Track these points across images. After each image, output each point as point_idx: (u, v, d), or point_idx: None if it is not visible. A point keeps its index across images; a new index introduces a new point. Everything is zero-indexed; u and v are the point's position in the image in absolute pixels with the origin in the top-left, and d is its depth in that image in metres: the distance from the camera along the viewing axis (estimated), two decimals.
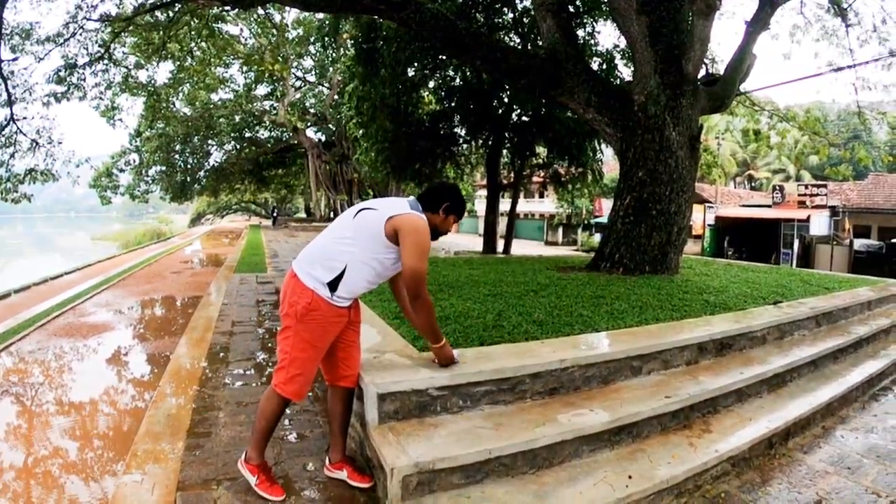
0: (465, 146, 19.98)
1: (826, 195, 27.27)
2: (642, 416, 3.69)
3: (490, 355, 3.89)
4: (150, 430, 4.08)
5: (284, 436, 3.97)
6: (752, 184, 52.84)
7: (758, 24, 10.02)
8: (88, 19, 14.59)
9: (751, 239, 28.42)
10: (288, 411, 4.45)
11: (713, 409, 4.23)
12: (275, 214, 46.68)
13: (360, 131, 16.26)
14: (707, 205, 29.77)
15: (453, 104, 16.44)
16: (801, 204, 27.55)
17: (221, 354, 6.15)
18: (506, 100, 16.07)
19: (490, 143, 17.77)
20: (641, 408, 3.71)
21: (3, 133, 14.34)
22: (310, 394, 4.84)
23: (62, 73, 15.02)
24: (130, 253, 28.42)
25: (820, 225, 26.51)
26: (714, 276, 8.71)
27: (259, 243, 22.98)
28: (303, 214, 62.49)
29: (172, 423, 4.19)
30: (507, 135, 17.57)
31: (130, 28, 15.60)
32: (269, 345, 6.67)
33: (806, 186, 28.93)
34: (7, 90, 13.78)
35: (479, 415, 3.52)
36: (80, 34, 14.95)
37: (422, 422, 3.35)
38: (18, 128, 14.57)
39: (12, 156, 14.75)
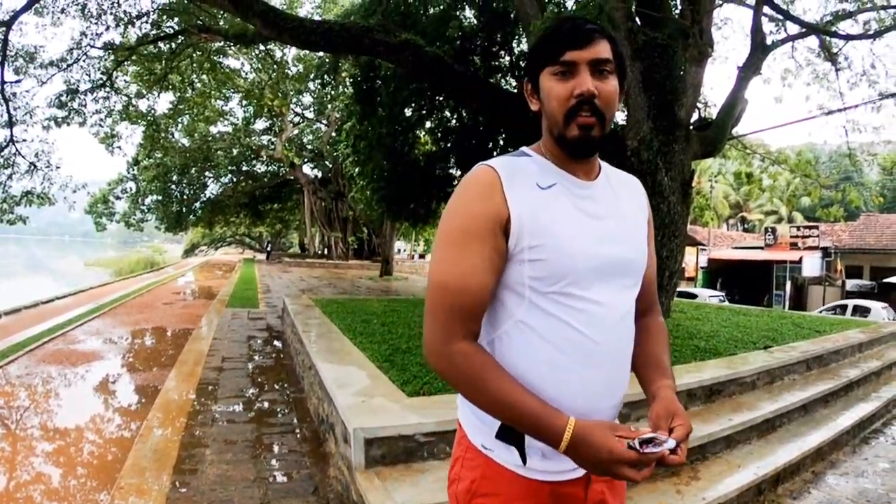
0: None
1: (818, 236, 27.49)
2: None
3: None
4: (136, 463, 4.06)
5: (272, 477, 3.94)
6: (745, 225, 53.18)
7: (749, 68, 10.20)
8: (92, 46, 14.84)
9: (743, 281, 28.56)
10: (275, 450, 4.44)
11: (702, 455, 4.22)
12: (269, 249, 46.66)
13: (357, 169, 16.34)
14: (700, 247, 29.95)
15: (449, 145, 16.57)
16: (794, 245, 27.76)
17: (211, 390, 6.12)
18: (501, 142, 16.22)
19: None
20: None
21: (2, 154, 14.43)
22: (297, 434, 4.83)
23: (63, 98, 15.22)
24: (123, 281, 28.34)
25: (812, 266, 26.69)
26: (705, 321, 8.75)
27: (252, 278, 22.94)
28: (297, 250, 62.51)
29: (159, 457, 4.17)
30: None
31: (133, 57, 15.86)
32: (259, 381, 6.66)
33: (798, 228, 29.17)
34: (8, 112, 13.91)
35: None
36: (84, 61, 15.22)
37: (409, 467, 3.33)
38: (17, 150, 14.65)
39: (10, 177, 14.81)
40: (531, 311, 1.29)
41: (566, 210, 1.31)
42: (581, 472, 1.35)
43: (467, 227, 1.27)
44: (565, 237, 1.27)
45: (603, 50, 1.29)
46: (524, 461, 1.32)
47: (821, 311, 19.14)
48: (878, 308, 18.93)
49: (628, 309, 1.38)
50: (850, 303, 20.02)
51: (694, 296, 20.47)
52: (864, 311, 18.57)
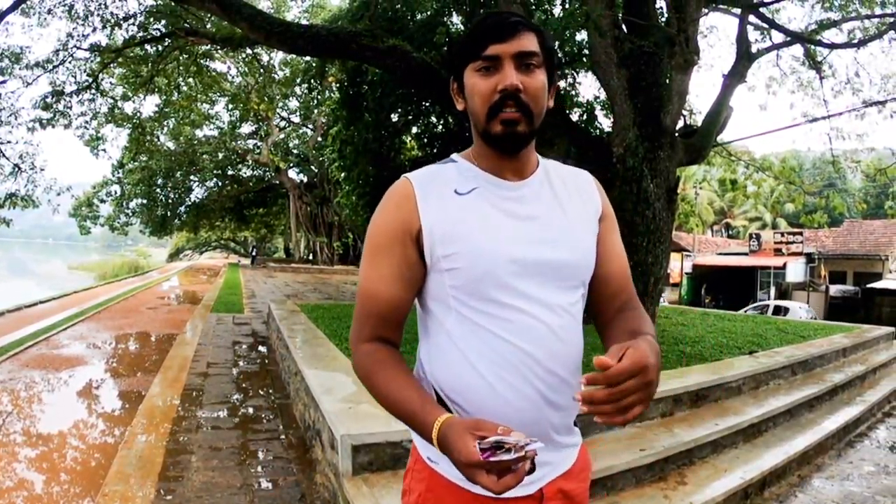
0: None
1: (802, 242, 27.74)
2: (617, 470, 3.69)
3: None
4: (121, 470, 4.02)
5: (259, 483, 3.92)
6: (730, 232, 53.51)
7: (735, 76, 10.30)
8: (78, 48, 14.72)
9: (728, 286, 28.74)
10: (261, 456, 4.41)
11: (688, 460, 4.24)
12: (254, 254, 46.40)
13: (342, 174, 16.30)
14: (685, 253, 30.11)
15: (435, 151, 16.56)
16: (778, 251, 27.99)
17: (196, 396, 6.08)
18: None
19: None
20: (616, 461, 3.71)
21: None
22: (283, 440, 4.80)
23: (49, 100, 15.06)
24: (107, 285, 28.09)
25: (796, 272, 26.92)
26: (690, 326, 8.80)
27: (237, 283, 22.82)
28: (282, 254, 62.32)
29: (144, 464, 4.13)
30: None
31: (119, 59, 15.76)
32: (244, 387, 6.62)
33: (782, 234, 29.42)
34: None
35: None
36: (70, 62, 15.07)
37: (396, 474, 3.31)
38: (1, 151, 14.51)
39: None
40: (459, 322, 1.26)
41: (487, 214, 1.26)
42: (533, 489, 1.27)
43: (378, 238, 1.29)
44: (483, 243, 1.23)
45: (528, 43, 1.23)
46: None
47: (746, 311, 20.48)
48: (795, 307, 20.85)
49: (566, 314, 1.29)
50: (772, 303, 21.96)
51: None
52: (784, 311, 20.33)
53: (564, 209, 1.34)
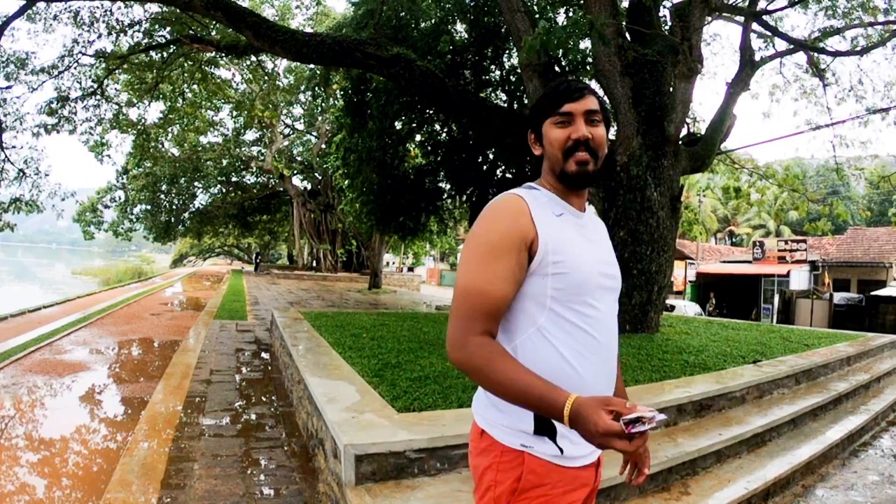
0: (449, 201, 20.05)
1: (806, 250, 27.66)
2: (620, 480, 3.67)
3: (470, 417, 3.86)
4: (123, 478, 4.01)
5: (261, 492, 3.91)
6: (733, 239, 53.42)
7: (738, 84, 10.30)
8: (84, 54, 14.83)
9: (732, 294, 28.66)
10: (263, 465, 4.41)
11: (692, 471, 4.22)
12: (257, 260, 46.39)
13: (346, 182, 16.33)
14: (688, 261, 30.06)
15: (439, 159, 16.57)
16: (782, 259, 27.93)
17: (199, 403, 6.07)
18: (491, 156, 16.23)
19: (475, 198, 17.85)
20: (619, 471, 3.69)
21: None
22: (286, 449, 4.80)
23: (54, 105, 15.14)
24: (111, 290, 28.11)
25: (800, 279, 26.86)
26: (694, 335, 8.77)
27: (241, 289, 22.81)
28: (286, 261, 62.32)
29: (146, 472, 4.12)
30: (491, 190, 17.58)
31: (124, 66, 15.84)
32: (247, 394, 6.61)
33: (786, 242, 29.34)
34: None
35: (457, 478, 3.46)
36: (75, 68, 15.19)
37: (399, 484, 3.31)
38: (6, 156, 14.49)
39: None
40: (551, 319, 1.53)
41: (574, 235, 1.58)
42: (594, 457, 1.60)
43: (497, 242, 1.50)
44: (581, 256, 1.55)
45: (592, 103, 1.59)
46: (562, 451, 1.52)
47: None
48: (681, 305, 23.34)
49: (615, 313, 1.68)
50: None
51: None
52: (671, 308, 22.01)
53: (603, 239, 1.73)
